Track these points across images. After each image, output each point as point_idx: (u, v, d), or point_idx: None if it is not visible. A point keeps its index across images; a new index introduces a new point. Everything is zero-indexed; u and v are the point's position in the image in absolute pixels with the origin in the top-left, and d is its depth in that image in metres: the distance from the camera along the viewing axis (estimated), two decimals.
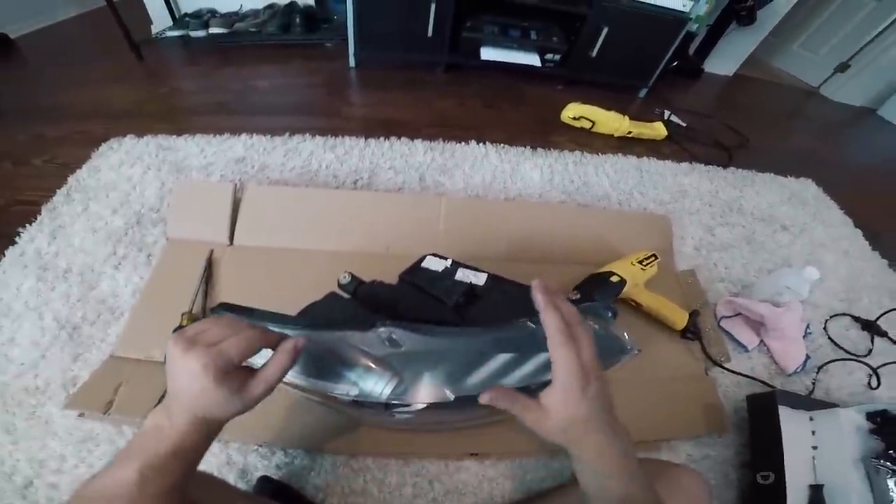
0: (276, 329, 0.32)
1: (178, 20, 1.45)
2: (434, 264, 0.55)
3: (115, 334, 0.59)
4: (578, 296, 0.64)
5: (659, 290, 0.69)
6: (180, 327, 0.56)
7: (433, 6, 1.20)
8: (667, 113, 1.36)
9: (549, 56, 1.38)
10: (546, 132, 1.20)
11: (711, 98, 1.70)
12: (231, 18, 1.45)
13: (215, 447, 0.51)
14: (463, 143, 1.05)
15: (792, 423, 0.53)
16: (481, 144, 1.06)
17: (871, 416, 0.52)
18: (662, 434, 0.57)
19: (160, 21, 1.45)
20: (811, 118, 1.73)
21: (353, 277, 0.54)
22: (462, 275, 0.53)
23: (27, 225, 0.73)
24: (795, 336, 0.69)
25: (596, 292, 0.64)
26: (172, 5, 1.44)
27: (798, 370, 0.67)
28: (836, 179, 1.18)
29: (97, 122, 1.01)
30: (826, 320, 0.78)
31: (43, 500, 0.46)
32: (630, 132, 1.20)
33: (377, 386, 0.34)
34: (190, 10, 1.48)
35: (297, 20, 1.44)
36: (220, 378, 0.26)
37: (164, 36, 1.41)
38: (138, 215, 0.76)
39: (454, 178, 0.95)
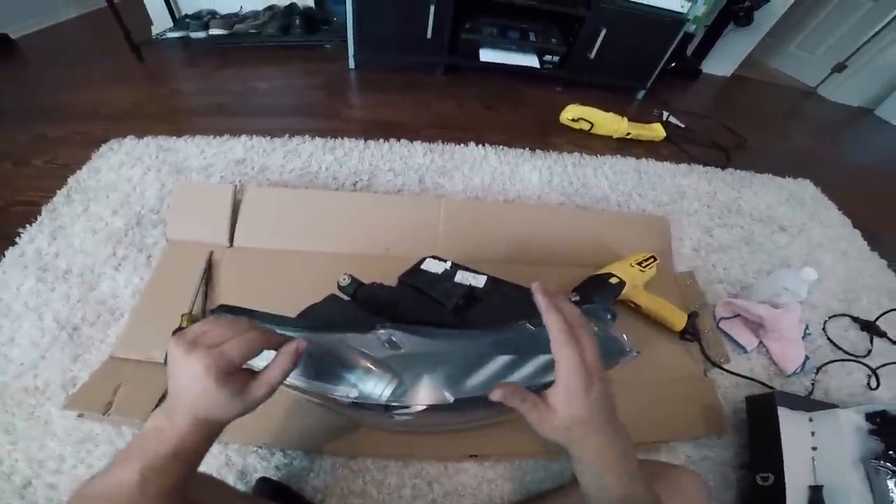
0: (277, 330, 0.32)
1: (179, 21, 1.45)
2: (433, 267, 0.55)
3: (115, 335, 0.60)
4: (577, 298, 0.64)
5: (658, 291, 0.69)
6: (180, 329, 0.56)
7: (432, 8, 1.21)
8: (665, 114, 1.36)
9: (547, 57, 1.39)
10: (545, 134, 1.20)
11: (709, 99, 1.70)
12: (231, 20, 1.45)
13: (214, 448, 0.51)
14: (462, 145, 1.05)
15: (791, 424, 0.54)
16: (480, 146, 1.06)
17: (870, 417, 0.52)
18: (661, 435, 0.57)
19: (160, 22, 1.45)
20: (809, 118, 1.74)
21: (353, 279, 0.54)
22: (461, 277, 0.53)
23: (27, 225, 0.73)
24: (794, 337, 0.69)
25: (595, 294, 0.64)
26: (173, 6, 1.44)
27: (797, 371, 0.67)
28: (834, 180, 1.18)
29: (97, 122, 1.01)
30: (825, 321, 0.78)
31: (42, 501, 0.46)
32: (629, 133, 1.20)
33: (377, 388, 0.34)
34: (190, 12, 1.48)
35: (297, 22, 1.44)
36: (222, 379, 0.26)
37: (164, 37, 1.41)
38: (138, 216, 0.77)
39: (453, 179, 0.95)
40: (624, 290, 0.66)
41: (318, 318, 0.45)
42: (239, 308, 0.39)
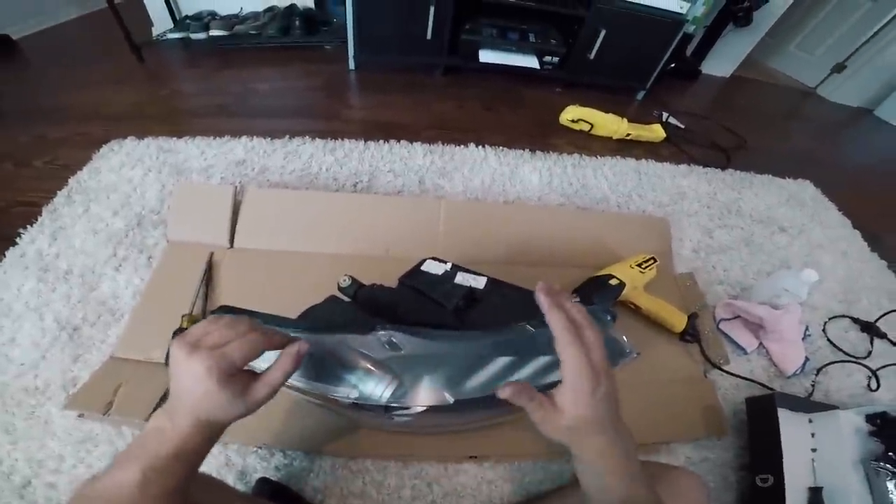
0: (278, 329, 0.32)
1: (179, 22, 1.46)
2: (434, 268, 0.55)
3: (116, 335, 0.60)
4: (577, 299, 0.64)
5: (658, 292, 0.69)
6: (181, 329, 0.56)
7: (432, 9, 1.21)
8: (665, 115, 1.36)
9: (547, 58, 1.39)
10: (545, 135, 1.21)
11: (709, 99, 1.70)
12: (231, 21, 1.45)
13: (214, 448, 0.50)
14: (462, 146, 1.05)
15: (791, 426, 0.54)
16: (480, 147, 1.06)
17: (870, 419, 0.52)
18: (661, 437, 0.57)
19: (161, 23, 1.46)
20: (808, 119, 1.74)
21: (354, 280, 0.54)
22: (462, 278, 0.53)
23: (28, 226, 0.73)
24: (794, 338, 0.69)
25: (595, 295, 0.65)
26: (173, 7, 1.45)
27: (797, 372, 0.67)
28: (834, 180, 1.18)
29: (98, 123, 1.01)
30: (825, 322, 0.78)
31: (41, 500, 0.46)
32: (628, 134, 1.20)
33: (377, 389, 0.35)
34: (190, 13, 1.48)
35: (297, 23, 1.45)
36: (224, 381, 0.26)
37: (164, 38, 1.41)
38: (139, 217, 0.77)
39: (453, 181, 0.96)
40: (624, 292, 0.66)
41: (319, 319, 0.45)
42: (240, 309, 0.39)
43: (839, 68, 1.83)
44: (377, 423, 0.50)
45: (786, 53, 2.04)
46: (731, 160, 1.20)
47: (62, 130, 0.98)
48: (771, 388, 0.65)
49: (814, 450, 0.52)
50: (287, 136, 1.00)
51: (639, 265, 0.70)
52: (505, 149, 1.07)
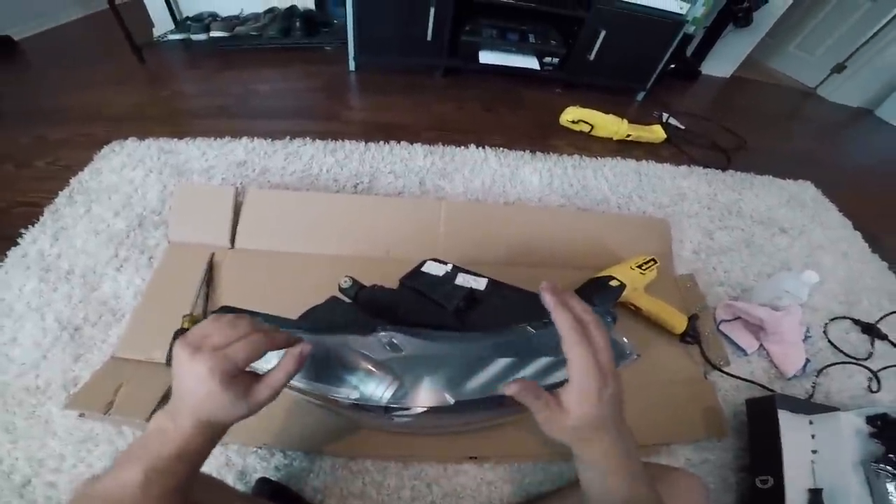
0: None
1: (180, 23, 1.46)
2: (434, 269, 0.56)
3: (117, 335, 0.60)
4: None
5: (658, 294, 0.69)
6: (182, 329, 0.57)
7: (432, 10, 1.21)
8: (665, 116, 1.36)
9: (547, 59, 1.39)
10: (545, 136, 1.21)
11: (709, 100, 1.70)
12: (232, 22, 1.45)
13: (215, 449, 0.51)
14: (462, 147, 1.05)
15: (791, 427, 0.54)
16: (480, 148, 1.06)
17: (871, 420, 0.52)
18: (661, 438, 0.57)
19: (162, 24, 1.46)
20: (809, 119, 1.74)
21: (354, 281, 0.54)
22: (462, 280, 0.53)
23: (29, 226, 0.73)
24: (795, 340, 0.69)
25: (595, 297, 0.65)
26: (174, 8, 1.45)
27: (798, 374, 0.67)
28: (835, 181, 1.18)
29: (99, 124, 1.01)
30: (826, 323, 0.78)
31: (41, 500, 0.46)
32: (629, 135, 1.20)
33: (377, 389, 0.35)
34: (191, 14, 1.49)
35: (298, 24, 1.45)
36: (226, 382, 0.26)
37: (165, 39, 1.42)
38: (140, 218, 0.77)
39: (454, 182, 0.96)
40: (624, 293, 0.66)
41: (320, 319, 0.45)
42: (241, 310, 0.39)
43: (839, 68, 1.83)
44: (377, 424, 0.50)
45: (786, 54, 2.04)
46: (731, 161, 1.20)
47: (63, 131, 0.99)
48: (771, 390, 0.65)
49: (814, 451, 0.52)
50: (288, 138, 1.00)
51: (639, 266, 0.70)
52: (505, 150, 1.07)
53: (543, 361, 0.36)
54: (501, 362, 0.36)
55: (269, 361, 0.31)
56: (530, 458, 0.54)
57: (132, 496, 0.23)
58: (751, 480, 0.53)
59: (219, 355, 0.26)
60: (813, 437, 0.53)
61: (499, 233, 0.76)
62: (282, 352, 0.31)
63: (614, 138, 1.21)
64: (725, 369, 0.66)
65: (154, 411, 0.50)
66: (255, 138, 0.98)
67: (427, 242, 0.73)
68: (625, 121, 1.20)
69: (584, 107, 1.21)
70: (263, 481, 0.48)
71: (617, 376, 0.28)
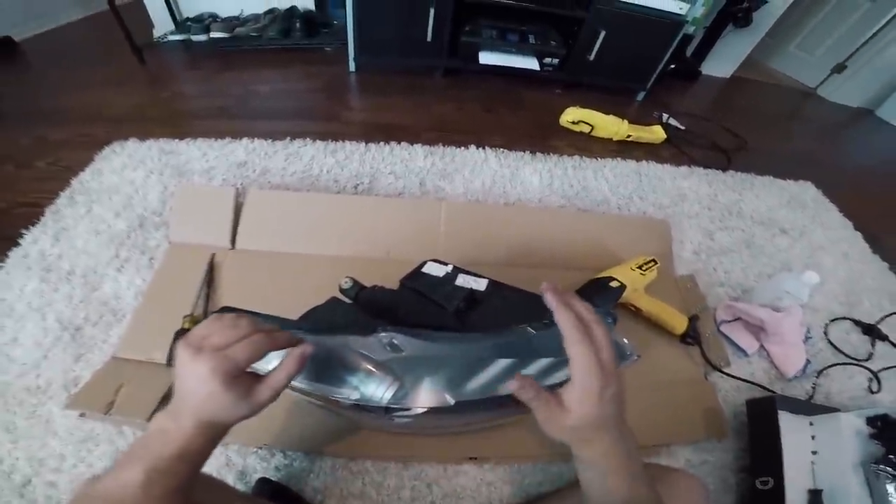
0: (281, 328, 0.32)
1: (180, 24, 1.46)
2: (435, 270, 0.56)
3: (117, 336, 0.60)
4: None
5: (658, 294, 0.69)
6: (182, 330, 0.57)
7: (432, 11, 1.21)
8: (665, 116, 1.37)
9: (547, 60, 1.39)
10: (545, 136, 1.21)
11: (709, 100, 1.70)
12: (232, 23, 1.46)
13: (215, 449, 0.51)
14: (462, 148, 1.05)
15: (792, 428, 0.54)
16: (481, 149, 1.06)
17: (871, 421, 0.52)
18: (662, 439, 0.57)
19: (162, 25, 1.46)
20: (809, 119, 1.74)
21: (355, 282, 0.54)
22: (463, 280, 0.53)
23: (31, 227, 0.73)
24: (795, 341, 0.69)
25: (596, 298, 0.65)
26: (174, 9, 1.45)
27: (798, 375, 0.67)
28: (835, 181, 1.18)
29: (100, 125, 1.02)
30: (826, 324, 0.78)
31: (41, 499, 0.46)
32: (629, 136, 1.21)
33: (378, 390, 0.35)
34: (191, 15, 1.49)
35: (298, 25, 1.45)
36: (228, 383, 0.26)
37: (165, 40, 1.42)
38: (141, 218, 0.77)
39: (454, 182, 0.96)
40: (624, 294, 0.66)
41: (320, 320, 0.45)
42: (241, 310, 0.39)
43: (839, 68, 1.83)
44: (378, 425, 0.50)
45: (786, 54, 2.04)
46: (731, 161, 1.20)
47: (64, 132, 0.99)
48: (771, 391, 0.65)
49: (814, 452, 0.52)
50: (288, 138, 1.00)
51: (639, 267, 0.70)
52: (505, 150, 1.07)
53: (544, 362, 0.36)
54: (502, 363, 0.36)
55: (270, 362, 0.32)
56: (530, 458, 0.54)
57: (133, 496, 0.23)
58: (751, 481, 0.53)
59: (220, 356, 0.26)
60: (813, 438, 0.53)
61: (499, 234, 0.77)
62: (283, 352, 0.31)
63: (614, 139, 1.21)
64: (726, 370, 0.66)
65: (155, 411, 0.50)
66: (256, 139, 0.98)
67: (427, 243, 0.73)
68: (625, 121, 1.20)
69: (584, 107, 1.21)
70: (263, 481, 0.48)
71: (619, 376, 0.28)
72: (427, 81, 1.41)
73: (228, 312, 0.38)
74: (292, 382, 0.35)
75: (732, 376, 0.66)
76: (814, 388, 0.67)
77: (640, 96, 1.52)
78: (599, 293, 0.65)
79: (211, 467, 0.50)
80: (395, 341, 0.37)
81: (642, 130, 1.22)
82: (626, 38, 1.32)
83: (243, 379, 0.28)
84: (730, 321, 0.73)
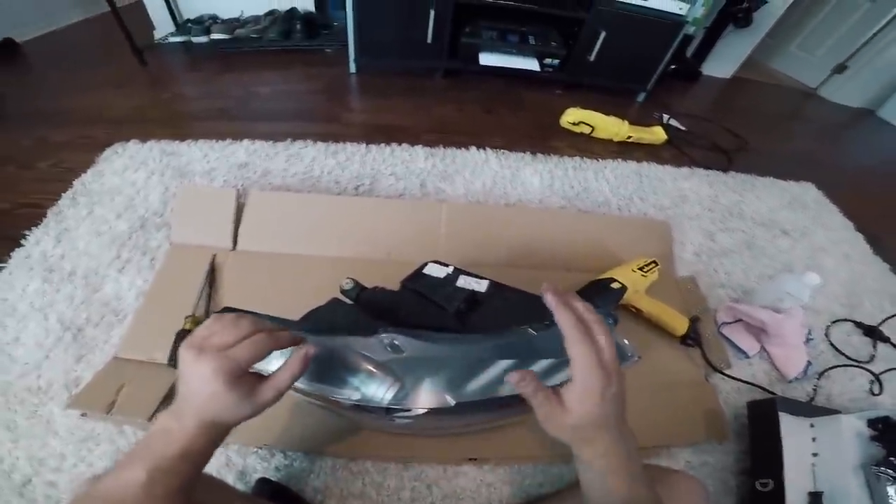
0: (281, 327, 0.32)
1: (181, 26, 1.47)
2: (436, 271, 0.56)
3: (119, 336, 0.60)
4: None
5: (659, 296, 0.69)
6: (184, 330, 0.57)
7: (432, 13, 1.21)
8: (666, 117, 1.37)
9: (547, 61, 1.39)
10: (545, 137, 1.21)
11: (710, 101, 1.70)
12: (232, 24, 1.46)
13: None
14: (463, 149, 1.06)
15: (792, 430, 0.53)
16: (481, 150, 1.06)
17: (872, 423, 0.51)
18: (662, 440, 0.57)
19: (162, 26, 1.47)
20: (810, 120, 1.74)
21: (356, 283, 0.54)
22: (463, 282, 0.53)
23: (33, 228, 0.74)
24: (796, 342, 0.69)
25: (596, 299, 0.65)
26: (175, 11, 1.46)
27: (799, 376, 0.67)
28: (837, 182, 1.18)
29: (101, 126, 1.02)
30: (827, 326, 0.78)
31: (41, 499, 0.46)
32: (629, 137, 1.21)
33: (379, 391, 0.35)
34: (192, 16, 1.49)
35: (298, 26, 1.46)
36: (231, 383, 0.27)
37: (166, 41, 1.42)
38: (142, 220, 0.77)
39: (455, 184, 0.96)
40: (625, 295, 0.66)
41: (321, 321, 0.45)
42: (243, 311, 0.39)
43: (840, 69, 1.83)
44: (378, 425, 0.50)
45: (786, 54, 2.04)
46: (732, 162, 1.20)
47: (65, 133, 0.99)
48: (772, 393, 0.64)
49: (815, 454, 0.52)
50: (289, 140, 1.00)
51: (640, 268, 0.70)
52: (506, 151, 1.07)
53: (545, 363, 0.36)
54: (502, 364, 0.36)
55: (272, 362, 0.32)
56: (530, 459, 0.54)
57: (135, 496, 0.23)
58: (751, 483, 0.53)
59: (223, 356, 0.27)
60: (814, 439, 0.53)
61: (500, 235, 0.77)
62: (285, 352, 0.31)
63: (615, 140, 1.21)
64: (726, 372, 0.66)
65: (156, 411, 0.50)
66: (257, 140, 0.99)
67: (428, 244, 0.73)
68: (625, 122, 1.20)
69: (585, 108, 1.21)
70: (264, 481, 0.49)
71: (621, 375, 0.28)
72: (427, 83, 1.41)
73: (230, 313, 0.38)
74: (295, 383, 0.35)
75: (733, 378, 0.66)
76: (815, 389, 0.67)
77: (641, 97, 1.52)
78: (600, 294, 0.65)
79: (211, 467, 0.49)
80: (396, 342, 0.37)
81: (643, 131, 1.22)
82: (626, 39, 1.32)
83: (246, 379, 0.28)
84: (730, 322, 0.73)
